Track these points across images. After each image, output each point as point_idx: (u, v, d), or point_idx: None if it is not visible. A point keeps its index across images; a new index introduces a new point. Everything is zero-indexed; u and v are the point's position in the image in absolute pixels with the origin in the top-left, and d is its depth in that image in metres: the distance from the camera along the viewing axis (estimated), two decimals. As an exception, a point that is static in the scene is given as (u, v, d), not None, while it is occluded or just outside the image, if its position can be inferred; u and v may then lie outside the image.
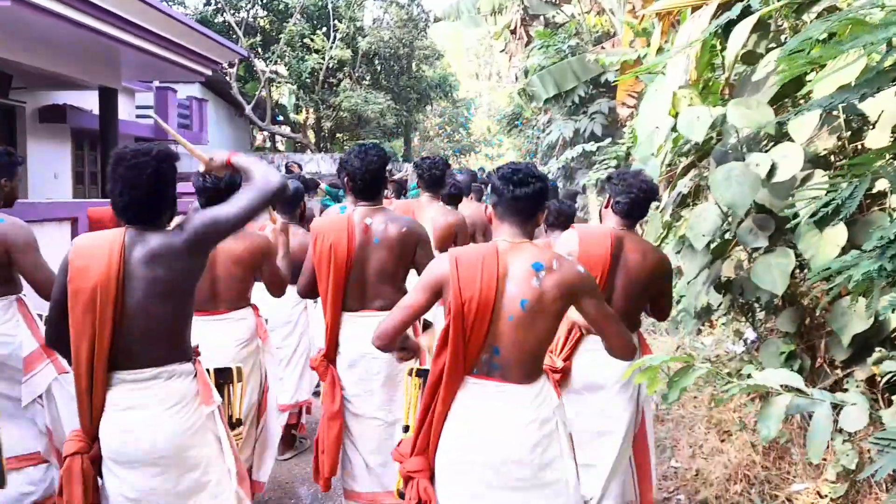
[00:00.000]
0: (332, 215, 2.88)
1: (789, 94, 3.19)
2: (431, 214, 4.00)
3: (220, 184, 2.70)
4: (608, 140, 7.70)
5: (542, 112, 13.02)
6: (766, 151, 2.91)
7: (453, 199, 4.56)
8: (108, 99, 8.48)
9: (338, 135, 19.39)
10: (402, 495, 2.18)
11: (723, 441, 3.47)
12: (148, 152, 1.95)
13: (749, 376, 2.69)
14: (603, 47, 8.74)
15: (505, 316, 1.94)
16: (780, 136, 2.94)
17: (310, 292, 2.93)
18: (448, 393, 1.98)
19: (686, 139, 3.42)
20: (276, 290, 3.02)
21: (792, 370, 2.99)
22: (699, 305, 3.48)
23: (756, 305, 3.48)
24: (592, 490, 2.65)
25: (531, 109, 13.42)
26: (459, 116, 26.72)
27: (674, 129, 3.19)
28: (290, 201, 3.81)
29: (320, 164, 15.39)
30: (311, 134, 19.38)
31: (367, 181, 2.79)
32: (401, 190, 7.30)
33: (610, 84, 8.51)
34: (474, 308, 1.92)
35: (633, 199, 2.66)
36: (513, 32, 11.96)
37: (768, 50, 3.20)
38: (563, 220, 3.83)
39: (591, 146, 7.58)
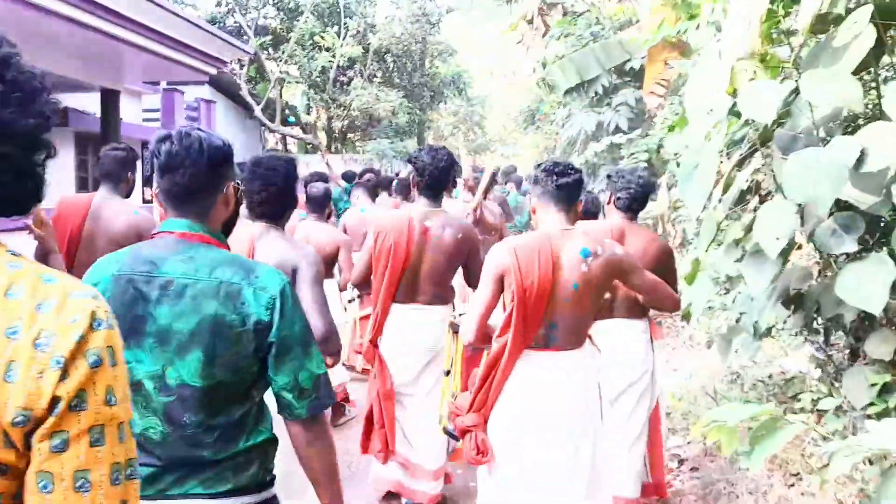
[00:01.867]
0: (394, 214, 3.27)
1: (871, 65, 2.63)
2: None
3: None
4: (636, 132, 7.11)
5: (560, 106, 12.47)
6: (852, 134, 2.36)
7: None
8: (109, 101, 8.10)
9: (349, 135, 18.94)
10: (447, 432, 2.73)
11: (791, 486, 2.89)
12: (281, 157, 2.34)
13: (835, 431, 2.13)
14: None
15: (560, 297, 2.20)
16: (870, 115, 2.38)
17: (364, 284, 3.16)
18: (509, 365, 2.22)
19: (744, 122, 2.87)
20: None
21: (887, 406, 2.44)
22: (763, 324, 2.92)
23: (835, 323, 2.90)
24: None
25: (550, 103, 12.87)
26: (474, 115, 26.19)
27: (732, 110, 2.65)
28: (319, 201, 4.13)
29: (331, 166, 14.94)
30: (322, 135, 18.95)
31: (435, 177, 2.99)
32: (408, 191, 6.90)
33: (636, 72, 7.93)
34: (534, 293, 2.16)
35: (632, 195, 2.95)
36: (530, 22, 11.41)
37: (848, 11, 2.63)
38: (593, 211, 3.78)
39: (620, 138, 7.00)
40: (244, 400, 1.41)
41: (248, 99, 15.92)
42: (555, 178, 2.26)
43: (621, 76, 8.23)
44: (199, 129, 1.46)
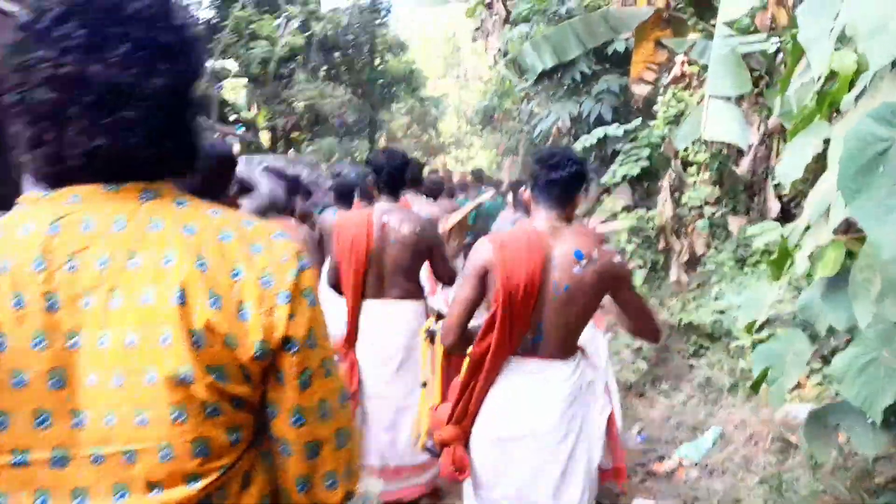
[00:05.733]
0: (353, 213, 3.48)
1: None
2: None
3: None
4: (634, 123, 5.89)
5: (524, 101, 11.27)
6: None
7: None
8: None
9: (293, 134, 17.41)
10: (427, 449, 2.52)
11: None
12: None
13: None
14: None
15: (549, 300, 2.02)
16: None
17: (337, 285, 3.14)
18: (492, 371, 2.07)
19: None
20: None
21: None
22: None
23: None
24: None
25: (512, 98, 11.68)
26: (428, 115, 24.95)
27: None
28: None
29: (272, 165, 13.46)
30: (264, 134, 17.38)
31: (392, 176, 3.09)
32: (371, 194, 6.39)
33: (620, 56, 6.76)
34: (521, 294, 1.98)
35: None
36: (489, 7, 10.20)
37: None
38: None
39: (616, 129, 5.78)
40: None
41: (177, 94, 14.28)
42: (547, 171, 2.08)
43: (601, 61, 7.06)
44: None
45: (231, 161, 1.57)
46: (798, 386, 3.94)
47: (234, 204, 1.61)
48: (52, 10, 0.79)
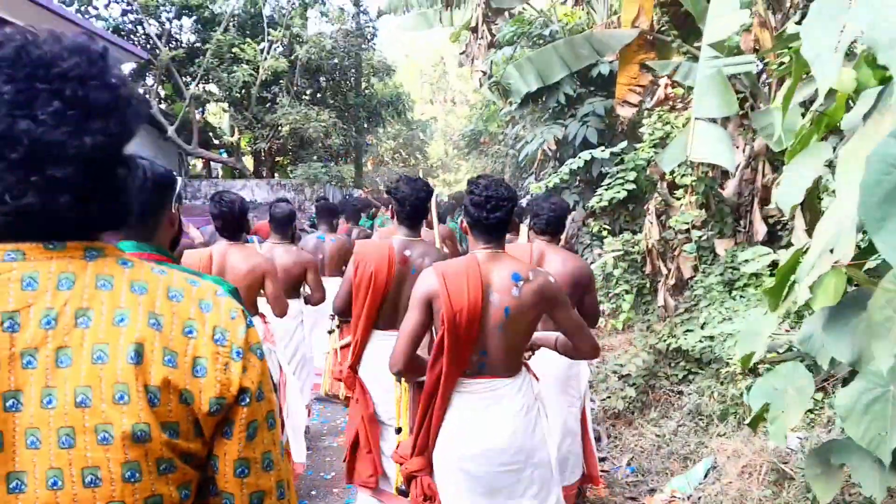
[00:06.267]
0: (374, 242, 3.22)
1: None
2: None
3: (235, 208, 3.31)
4: (620, 145, 5.79)
5: (509, 125, 11.24)
6: None
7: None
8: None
9: (278, 158, 17.25)
10: (401, 492, 2.58)
11: None
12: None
13: None
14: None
15: (491, 322, 2.14)
16: None
17: (346, 310, 3.13)
18: (445, 395, 2.16)
19: None
20: (277, 309, 3.47)
21: None
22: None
23: None
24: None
25: (497, 122, 11.66)
26: (415, 139, 24.92)
27: None
28: (284, 222, 4.13)
29: (255, 192, 13.23)
30: (248, 158, 17.24)
31: (416, 207, 3.02)
32: (359, 215, 6.92)
33: (604, 79, 6.71)
34: (465, 317, 2.09)
35: (547, 219, 3.21)
36: (473, 31, 10.19)
37: None
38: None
39: (603, 153, 5.67)
40: None
41: (160, 118, 14.11)
42: (486, 214, 2.18)
43: (586, 84, 7.00)
44: (141, 157, 1.48)
45: (170, 181, 1.60)
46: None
47: (175, 219, 1.64)
48: None
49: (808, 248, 2.73)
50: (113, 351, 0.78)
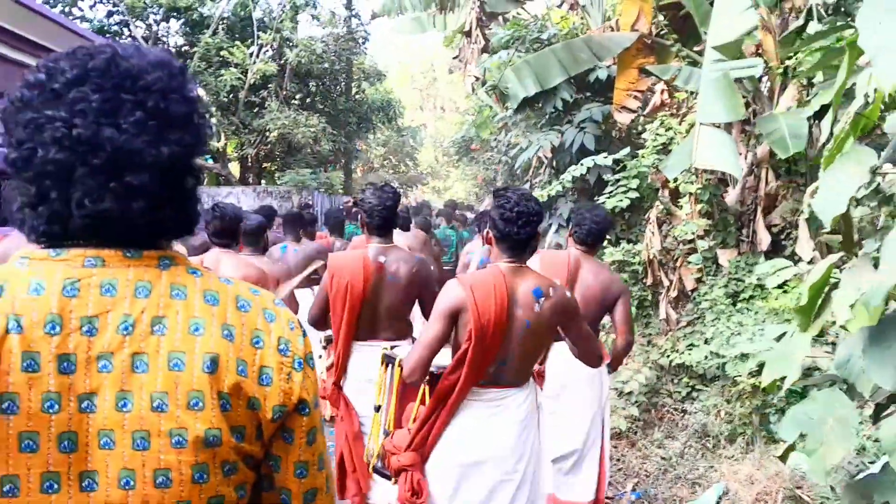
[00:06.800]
0: (348, 253, 3.25)
1: None
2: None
3: (227, 215, 3.33)
4: (623, 152, 5.58)
5: (501, 132, 11.05)
6: None
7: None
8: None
9: (265, 164, 16.97)
10: (377, 470, 2.55)
11: None
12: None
13: None
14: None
15: (513, 334, 2.19)
16: None
17: (320, 322, 3.13)
18: (457, 402, 2.19)
19: None
20: None
21: None
22: None
23: None
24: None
25: (490, 128, 11.48)
26: (405, 145, 24.71)
27: None
28: (255, 233, 3.98)
29: (241, 199, 12.94)
30: (235, 165, 16.93)
31: (384, 217, 2.99)
32: (342, 227, 6.55)
33: (601, 84, 6.54)
34: (491, 330, 2.14)
35: (588, 230, 3.22)
36: (467, 35, 10.02)
37: None
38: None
39: (605, 159, 5.46)
40: None
41: (145, 122, 13.80)
42: (516, 230, 2.21)
43: (583, 89, 6.82)
44: None
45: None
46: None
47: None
48: (67, 71, 0.81)
49: (840, 262, 2.53)
50: (189, 359, 0.82)
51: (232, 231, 3.39)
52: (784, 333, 3.27)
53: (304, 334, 0.93)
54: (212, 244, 3.42)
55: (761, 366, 3.49)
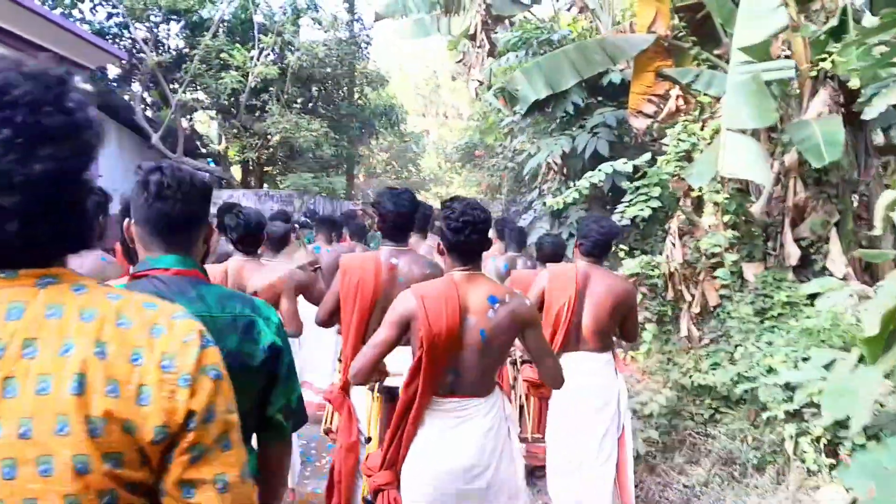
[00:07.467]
0: (360, 254, 3.17)
1: None
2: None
3: (251, 222, 3.27)
4: (642, 158, 5.31)
5: (508, 137, 10.78)
6: None
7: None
8: None
9: (266, 168, 16.75)
10: (367, 502, 2.43)
11: None
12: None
13: None
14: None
15: (467, 343, 2.20)
16: None
17: (328, 322, 3.09)
18: (419, 413, 2.22)
19: None
20: (292, 327, 3.28)
21: None
22: None
23: None
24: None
25: (496, 134, 11.22)
26: (408, 151, 24.46)
27: None
28: (281, 240, 4.01)
29: (241, 202, 12.70)
30: (236, 168, 16.71)
31: (398, 222, 2.97)
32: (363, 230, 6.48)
33: (614, 87, 6.27)
34: (443, 340, 2.15)
35: (595, 241, 3.19)
36: (472, 38, 9.79)
37: None
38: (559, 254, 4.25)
39: (625, 165, 5.19)
40: (249, 440, 1.42)
41: (144, 125, 13.57)
42: (463, 237, 2.23)
43: (595, 93, 6.55)
44: (183, 165, 1.48)
45: (211, 190, 1.50)
46: (838, 463, 3.32)
47: (211, 234, 1.55)
48: None
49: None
50: (56, 382, 0.79)
51: (256, 238, 3.34)
52: (833, 361, 3.00)
53: (205, 345, 0.87)
54: (235, 251, 3.38)
55: (802, 393, 3.20)
